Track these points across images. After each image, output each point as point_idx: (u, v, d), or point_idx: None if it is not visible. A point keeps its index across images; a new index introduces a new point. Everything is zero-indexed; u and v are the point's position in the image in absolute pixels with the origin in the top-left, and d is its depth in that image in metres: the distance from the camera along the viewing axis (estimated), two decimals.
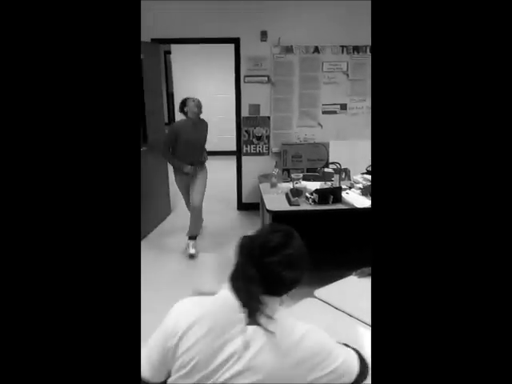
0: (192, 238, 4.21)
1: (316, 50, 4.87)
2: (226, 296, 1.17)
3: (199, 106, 4.13)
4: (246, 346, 1.09)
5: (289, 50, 4.87)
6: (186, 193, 4.30)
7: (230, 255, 3.88)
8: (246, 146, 5.18)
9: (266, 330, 1.10)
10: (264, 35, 4.83)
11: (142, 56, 4.37)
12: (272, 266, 1.13)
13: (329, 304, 1.93)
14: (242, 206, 5.41)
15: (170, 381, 1.19)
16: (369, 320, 1.76)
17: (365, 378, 1.24)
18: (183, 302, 1.23)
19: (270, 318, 1.12)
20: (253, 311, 1.11)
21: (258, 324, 1.10)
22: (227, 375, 1.09)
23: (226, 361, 1.10)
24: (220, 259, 4.03)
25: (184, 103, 4.14)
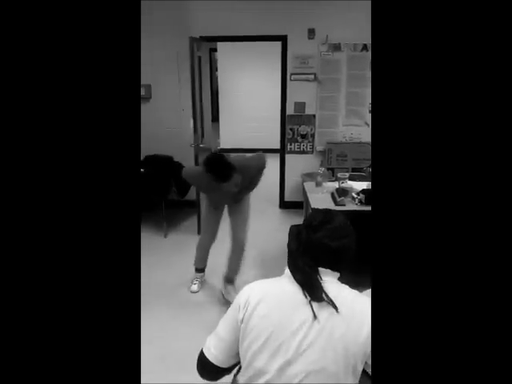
0: (230, 281, 3.32)
1: (364, 47, 4.78)
2: (288, 275, 1.29)
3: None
4: (315, 315, 1.18)
5: (336, 47, 4.81)
6: (214, 228, 3.30)
7: (272, 253, 3.83)
8: (290, 144, 5.16)
9: (329, 302, 1.19)
10: (311, 33, 4.79)
11: (199, 54, 4.43)
12: (319, 241, 1.27)
13: None
14: (284, 205, 5.40)
15: (244, 363, 1.26)
16: None
17: None
18: (252, 283, 1.34)
19: (329, 291, 1.22)
20: (312, 288, 1.22)
21: (321, 299, 1.20)
22: (308, 341, 1.17)
23: (299, 328, 1.18)
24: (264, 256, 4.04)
25: (223, 168, 2.69)
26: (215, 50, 8.21)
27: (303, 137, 5.11)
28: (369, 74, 4.84)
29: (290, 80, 4.95)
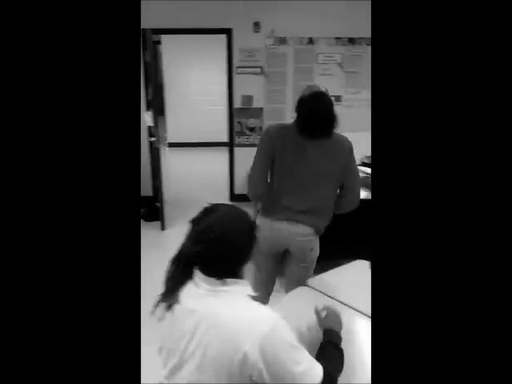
0: None
1: (310, 41, 4.85)
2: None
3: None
4: (194, 325, 1.12)
5: (282, 41, 4.84)
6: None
7: None
8: (239, 137, 5.16)
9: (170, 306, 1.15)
10: (257, 26, 4.79)
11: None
12: (185, 243, 1.18)
13: (321, 292, 1.95)
14: (235, 197, 5.40)
15: None
16: (360, 307, 1.80)
17: None
18: None
19: (201, 302, 1.14)
20: (168, 289, 1.17)
21: (172, 302, 1.15)
22: (189, 351, 1.11)
23: (183, 336, 1.13)
24: None
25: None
26: (159, 42, 8.03)
27: (252, 130, 5.12)
28: (315, 67, 4.92)
29: (237, 73, 4.93)
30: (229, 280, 1.16)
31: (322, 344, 1.35)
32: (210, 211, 1.19)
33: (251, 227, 1.22)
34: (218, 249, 1.14)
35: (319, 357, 1.25)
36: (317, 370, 1.12)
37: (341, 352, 1.32)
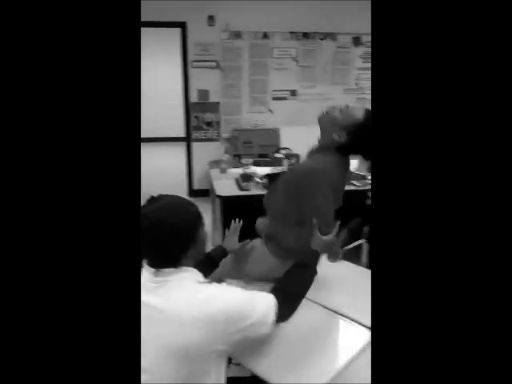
0: None
1: (265, 35, 4.87)
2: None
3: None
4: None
5: (237, 35, 4.84)
6: None
7: None
8: (196, 132, 5.13)
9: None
10: (211, 20, 4.76)
11: None
12: None
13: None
14: (193, 192, 5.38)
15: None
16: (322, 301, 1.80)
17: (283, 319, 1.29)
18: None
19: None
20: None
21: None
22: (145, 345, 1.11)
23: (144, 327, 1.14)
24: None
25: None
26: None
27: (208, 124, 5.11)
28: (270, 61, 4.95)
29: (192, 67, 4.90)
30: (169, 270, 1.17)
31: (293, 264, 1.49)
32: (153, 201, 1.20)
33: (192, 217, 1.22)
34: (151, 235, 1.14)
35: (284, 276, 1.44)
36: (269, 301, 1.25)
37: (305, 268, 1.46)
